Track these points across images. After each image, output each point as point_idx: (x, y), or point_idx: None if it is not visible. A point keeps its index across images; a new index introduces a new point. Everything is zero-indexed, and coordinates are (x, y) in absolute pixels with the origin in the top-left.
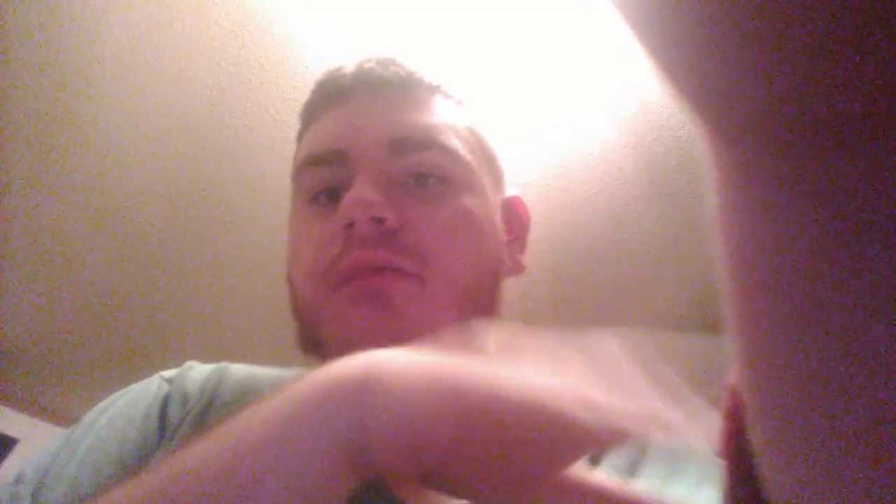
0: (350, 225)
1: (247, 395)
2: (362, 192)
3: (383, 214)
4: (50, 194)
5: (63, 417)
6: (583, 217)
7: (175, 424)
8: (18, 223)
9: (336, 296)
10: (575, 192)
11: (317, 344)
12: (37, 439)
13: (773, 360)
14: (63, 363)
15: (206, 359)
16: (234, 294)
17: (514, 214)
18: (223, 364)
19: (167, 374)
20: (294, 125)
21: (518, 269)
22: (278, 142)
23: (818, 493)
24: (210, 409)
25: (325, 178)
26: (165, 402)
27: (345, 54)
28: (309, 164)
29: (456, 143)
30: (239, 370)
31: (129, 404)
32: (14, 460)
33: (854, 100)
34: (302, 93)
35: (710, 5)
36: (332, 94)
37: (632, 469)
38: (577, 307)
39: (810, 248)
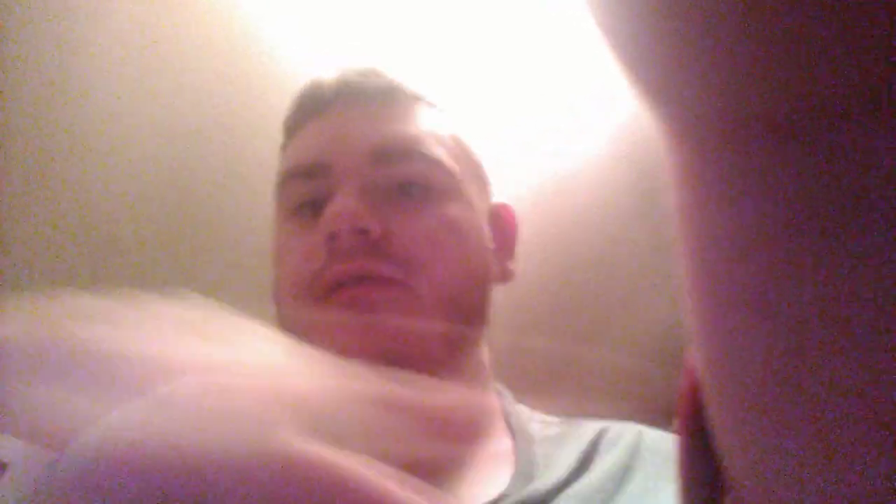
0: (333, 237)
1: None
2: (345, 203)
3: (366, 225)
4: (42, 202)
5: None
6: (575, 229)
7: None
8: (14, 231)
9: (319, 309)
10: (566, 205)
11: None
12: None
13: (727, 345)
14: None
15: None
16: (227, 305)
17: (502, 222)
18: None
19: None
20: None
21: (507, 276)
22: (268, 154)
23: (772, 475)
24: None
25: (308, 190)
26: None
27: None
28: (291, 176)
29: (439, 152)
30: None
31: None
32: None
33: (809, 94)
34: None
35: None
36: (314, 106)
37: (625, 471)
38: (570, 319)
39: (763, 239)
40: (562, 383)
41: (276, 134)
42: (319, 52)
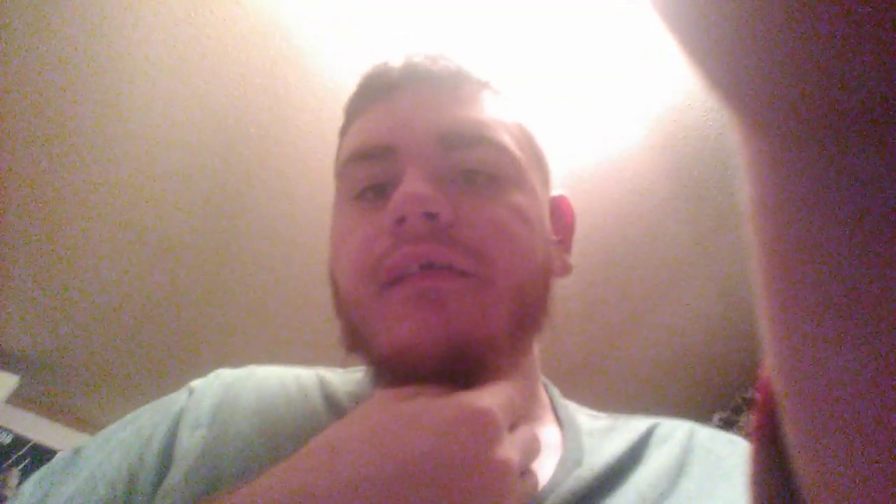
0: (401, 221)
1: (264, 406)
2: (415, 186)
3: (437, 209)
4: (79, 205)
5: (97, 427)
6: (611, 219)
7: (184, 443)
8: (51, 241)
9: (385, 296)
10: (603, 195)
11: (362, 343)
12: None
13: (806, 353)
14: (96, 372)
15: (238, 364)
16: (261, 301)
17: (561, 214)
18: (249, 369)
19: (194, 383)
20: (318, 137)
21: (567, 270)
22: (302, 152)
23: (851, 490)
24: (226, 423)
25: (372, 173)
26: (178, 419)
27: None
28: (355, 159)
29: (506, 140)
30: (260, 379)
31: (147, 417)
32: None
33: (888, 89)
34: (325, 105)
35: None
36: (379, 88)
37: (679, 468)
38: (607, 310)
39: (844, 240)
40: (597, 376)
41: (313, 132)
42: (356, 52)
